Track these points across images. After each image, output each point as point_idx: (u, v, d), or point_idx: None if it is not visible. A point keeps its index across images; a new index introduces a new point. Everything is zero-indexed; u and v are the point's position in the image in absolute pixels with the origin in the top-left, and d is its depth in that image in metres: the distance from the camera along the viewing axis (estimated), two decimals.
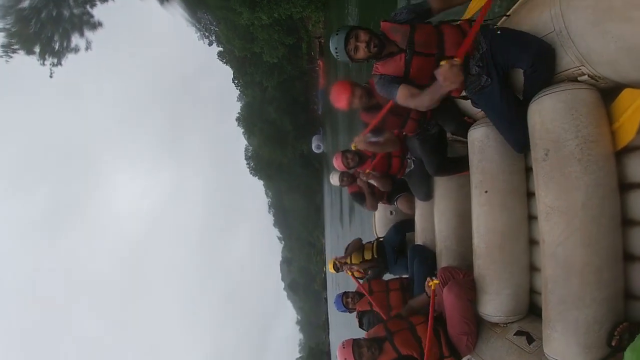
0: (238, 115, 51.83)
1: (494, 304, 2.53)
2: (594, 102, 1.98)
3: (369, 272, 4.29)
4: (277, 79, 41.89)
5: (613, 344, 1.84)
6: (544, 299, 2.07)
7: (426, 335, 2.60)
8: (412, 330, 2.69)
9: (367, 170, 3.59)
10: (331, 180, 4.25)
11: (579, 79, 2.01)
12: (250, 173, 58.65)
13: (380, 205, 4.40)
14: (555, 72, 2.07)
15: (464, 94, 2.44)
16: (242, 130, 52.13)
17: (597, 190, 1.90)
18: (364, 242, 4.50)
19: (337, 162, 3.71)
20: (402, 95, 2.26)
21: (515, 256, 2.49)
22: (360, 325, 3.75)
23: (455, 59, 2.03)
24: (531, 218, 2.52)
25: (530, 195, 2.53)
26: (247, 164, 57.81)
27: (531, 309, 2.58)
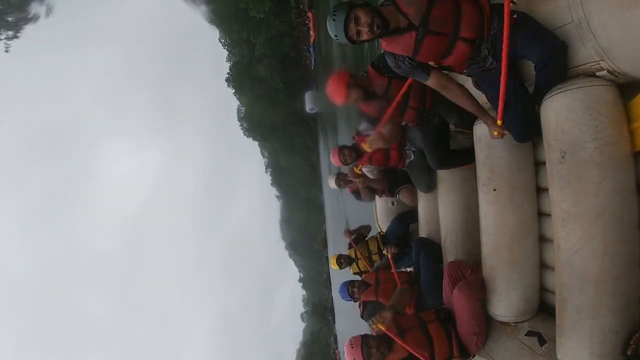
0: (227, 75, 50.47)
1: (504, 305, 2.49)
2: (613, 100, 1.85)
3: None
4: (265, 35, 40.57)
5: (629, 352, 1.81)
6: (558, 306, 2.02)
7: (438, 333, 2.60)
8: (424, 328, 2.65)
9: (360, 165, 3.50)
10: (329, 184, 4.19)
11: (597, 74, 1.87)
12: (244, 134, 58.26)
13: (382, 198, 4.36)
14: (570, 66, 1.93)
15: (465, 72, 2.27)
16: (233, 90, 50.98)
17: (616, 197, 1.81)
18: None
19: (334, 159, 3.61)
20: (434, 83, 2.19)
21: (526, 255, 2.42)
22: (362, 316, 3.66)
23: (498, 122, 2.06)
24: (541, 214, 2.43)
25: (540, 190, 2.44)
26: (240, 125, 57.27)
27: (542, 307, 2.54)
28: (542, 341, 2.29)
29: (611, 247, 1.80)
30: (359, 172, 3.41)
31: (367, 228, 4.54)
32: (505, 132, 2.13)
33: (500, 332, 2.56)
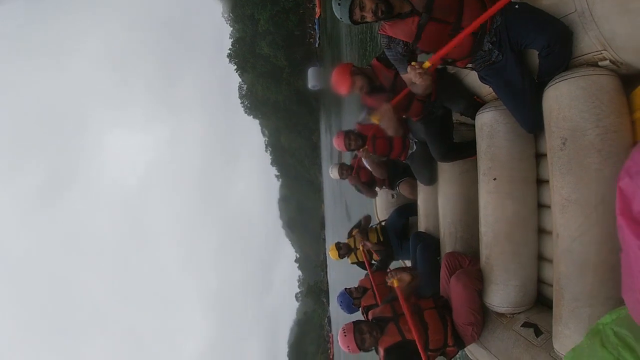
0: (229, 51, 49.62)
1: (501, 295, 2.48)
2: (615, 90, 1.84)
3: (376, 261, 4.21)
4: (270, 11, 39.79)
5: None
6: (556, 295, 2.01)
7: (434, 321, 2.58)
8: (420, 315, 2.63)
9: (366, 148, 3.47)
10: (330, 175, 4.17)
11: (599, 64, 1.87)
12: (245, 112, 57.71)
13: (382, 190, 4.35)
14: (573, 56, 1.93)
15: (469, 65, 2.27)
16: (234, 67, 50.19)
17: (616, 185, 1.73)
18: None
19: (338, 143, 3.58)
20: (407, 77, 2.17)
21: (524, 246, 2.42)
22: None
23: (425, 65, 2.00)
24: (540, 206, 2.43)
25: (540, 182, 2.44)
26: (242, 102, 56.67)
27: (539, 299, 2.53)
28: (538, 332, 2.27)
29: (611, 235, 1.75)
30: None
31: (367, 219, 4.49)
32: (420, 71, 2.06)
33: (496, 323, 2.55)
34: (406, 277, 2.74)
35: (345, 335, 2.60)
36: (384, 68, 2.68)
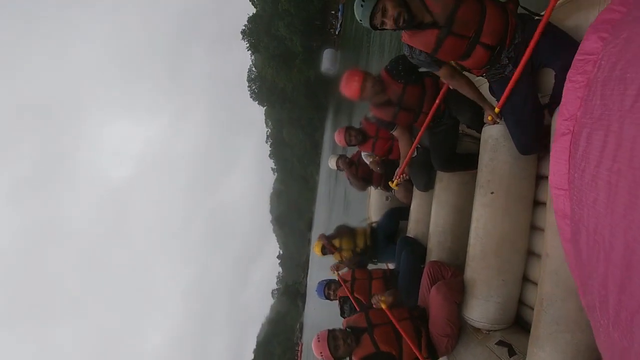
0: (244, 27, 47.77)
1: (481, 310, 2.46)
2: None
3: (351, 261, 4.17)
4: None
5: None
6: (536, 315, 2.00)
7: (408, 332, 2.55)
8: (394, 325, 2.61)
9: (376, 157, 3.58)
10: (329, 164, 4.29)
11: None
12: (251, 97, 55.70)
13: (377, 191, 4.41)
14: None
15: (483, 74, 2.27)
16: (247, 45, 48.25)
17: None
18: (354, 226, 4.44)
19: (338, 138, 3.63)
20: (444, 74, 2.26)
21: (511, 265, 2.40)
22: (342, 314, 3.71)
23: (496, 109, 2.19)
24: (532, 228, 2.43)
25: (536, 203, 2.43)
26: (249, 86, 54.77)
27: (517, 320, 2.53)
28: (512, 352, 2.27)
29: None
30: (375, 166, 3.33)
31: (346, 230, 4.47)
32: (499, 120, 2.24)
33: (471, 337, 2.55)
34: (389, 298, 2.82)
35: (319, 342, 2.59)
36: (392, 82, 2.67)
